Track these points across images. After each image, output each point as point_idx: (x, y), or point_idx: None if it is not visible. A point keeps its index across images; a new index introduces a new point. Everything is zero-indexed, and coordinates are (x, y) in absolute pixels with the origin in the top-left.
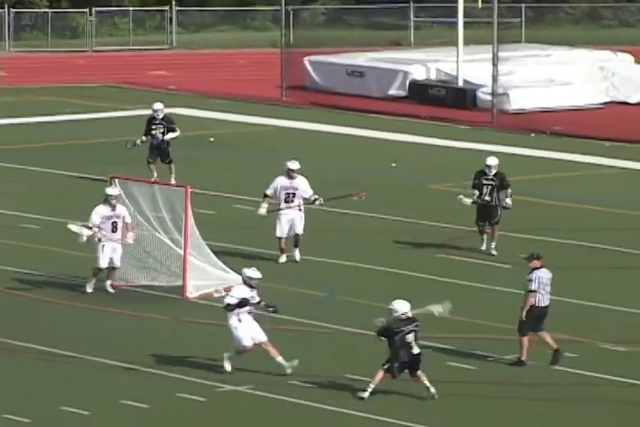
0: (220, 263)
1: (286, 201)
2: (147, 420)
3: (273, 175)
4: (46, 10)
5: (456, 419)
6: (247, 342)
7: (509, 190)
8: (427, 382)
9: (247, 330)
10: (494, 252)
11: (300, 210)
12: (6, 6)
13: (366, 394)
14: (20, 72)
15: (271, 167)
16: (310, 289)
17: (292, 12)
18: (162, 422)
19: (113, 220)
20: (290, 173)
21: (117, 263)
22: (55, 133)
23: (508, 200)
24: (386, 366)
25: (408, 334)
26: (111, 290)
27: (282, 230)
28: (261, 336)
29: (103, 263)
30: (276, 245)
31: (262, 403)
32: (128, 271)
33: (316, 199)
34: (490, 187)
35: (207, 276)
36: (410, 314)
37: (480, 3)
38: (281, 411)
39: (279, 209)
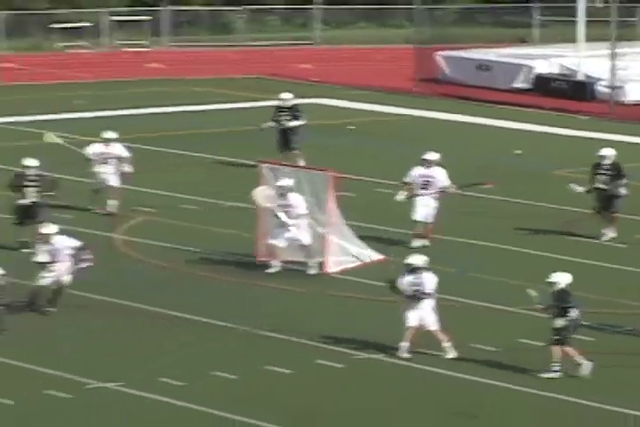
0: (359, 241)
1: (422, 188)
2: (288, 385)
3: (407, 160)
4: (201, 8)
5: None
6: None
7: (624, 180)
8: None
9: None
10: (612, 235)
11: (435, 198)
12: (165, 4)
13: (553, 374)
14: (177, 65)
15: (405, 154)
16: (445, 266)
17: (426, 11)
18: (302, 387)
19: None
20: (426, 163)
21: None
22: (209, 121)
23: (623, 189)
24: (557, 338)
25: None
26: None
27: (417, 215)
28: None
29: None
30: (411, 228)
31: (400, 371)
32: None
33: (450, 186)
34: (605, 176)
35: (347, 252)
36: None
37: (600, 2)
38: (420, 381)
39: (416, 195)
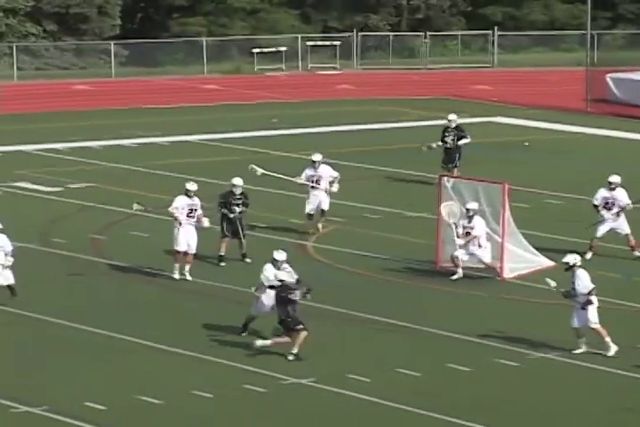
0: (532, 249)
1: (605, 208)
2: (468, 381)
3: (579, 175)
4: (388, 33)
5: None
6: None
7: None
8: None
9: None
10: None
11: (618, 216)
12: (354, 31)
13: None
14: (365, 86)
15: (578, 169)
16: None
17: (596, 36)
18: (481, 383)
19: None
20: (610, 186)
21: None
22: (393, 138)
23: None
24: None
25: None
26: None
27: (600, 232)
28: None
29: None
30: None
31: (570, 369)
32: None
33: (627, 204)
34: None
35: (521, 259)
36: None
37: None
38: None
39: (600, 216)
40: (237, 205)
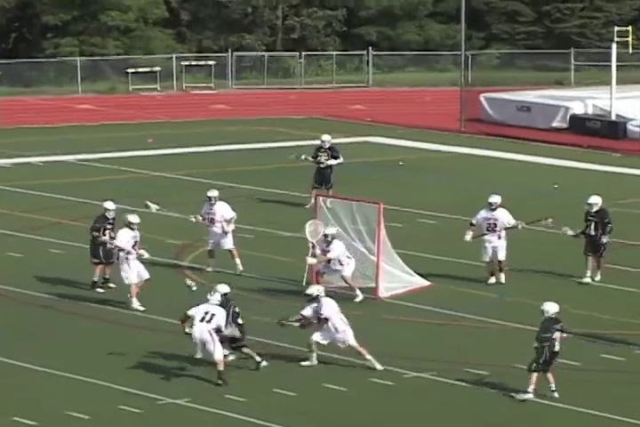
0: (407, 268)
1: (488, 230)
2: (342, 401)
3: (453, 195)
4: (263, 53)
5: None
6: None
7: (608, 227)
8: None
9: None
10: (597, 278)
11: (499, 238)
12: (229, 50)
13: (528, 396)
14: (241, 106)
15: (452, 188)
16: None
17: (470, 56)
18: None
19: None
20: (490, 207)
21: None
22: (269, 158)
23: (604, 238)
24: (533, 367)
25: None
26: None
27: (487, 255)
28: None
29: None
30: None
31: (441, 387)
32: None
33: (517, 224)
34: (594, 223)
35: (397, 279)
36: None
37: (631, 49)
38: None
39: (483, 235)
40: (112, 229)
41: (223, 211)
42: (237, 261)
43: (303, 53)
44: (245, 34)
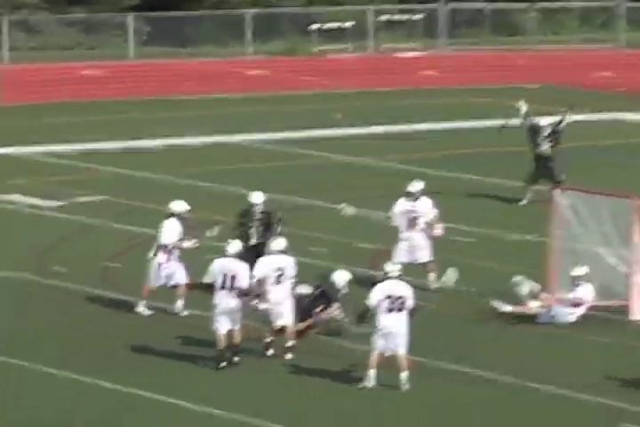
0: None
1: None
2: None
3: None
4: (484, 3)
5: None
6: None
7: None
8: None
9: None
10: None
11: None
12: (441, 1)
13: None
14: (454, 72)
15: None
16: None
17: None
18: None
19: None
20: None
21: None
22: (487, 138)
23: None
24: None
25: None
26: None
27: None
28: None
29: None
30: None
31: None
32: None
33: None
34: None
35: None
36: None
37: None
38: None
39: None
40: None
41: (427, 208)
42: (432, 276)
43: (536, 5)
44: None
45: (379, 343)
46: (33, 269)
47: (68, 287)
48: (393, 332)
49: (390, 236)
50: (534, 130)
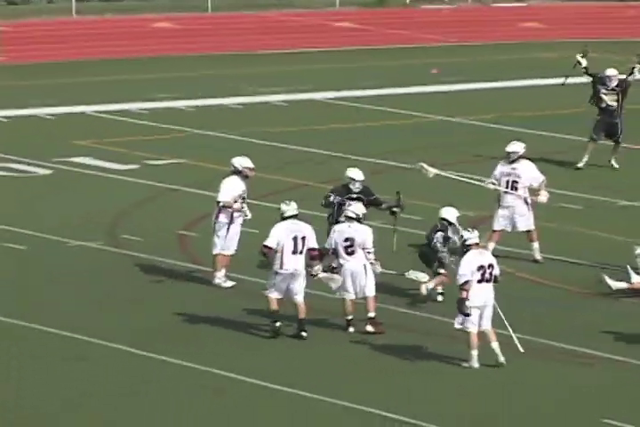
0: None
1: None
2: None
3: None
4: None
5: None
6: None
7: None
8: None
9: None
10: None
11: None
12: None
13: None
14: (559, 23)
15: None
16: None
17: None
18: None
19: None
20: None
21: None
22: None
23: None
24: None
25: None
26: None
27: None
28: None
29: None
30: None
31: None
32: None
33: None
34: None
35: None
36: None
37: None
38: None
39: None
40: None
41: (530, 171)
42: (535, 245)
43: None
44: None
45: (474, 319)
46: (103, 238)
47: (139, 257)
48: (486, 304)
49: (488, 202)
50: (601, 82)
